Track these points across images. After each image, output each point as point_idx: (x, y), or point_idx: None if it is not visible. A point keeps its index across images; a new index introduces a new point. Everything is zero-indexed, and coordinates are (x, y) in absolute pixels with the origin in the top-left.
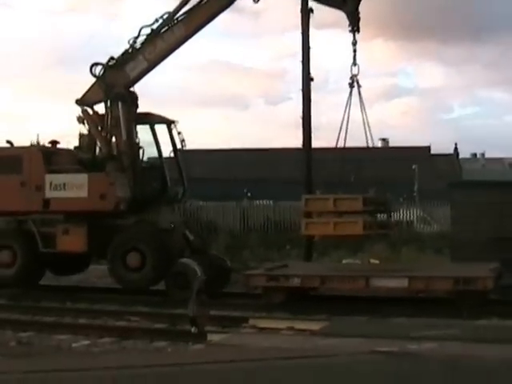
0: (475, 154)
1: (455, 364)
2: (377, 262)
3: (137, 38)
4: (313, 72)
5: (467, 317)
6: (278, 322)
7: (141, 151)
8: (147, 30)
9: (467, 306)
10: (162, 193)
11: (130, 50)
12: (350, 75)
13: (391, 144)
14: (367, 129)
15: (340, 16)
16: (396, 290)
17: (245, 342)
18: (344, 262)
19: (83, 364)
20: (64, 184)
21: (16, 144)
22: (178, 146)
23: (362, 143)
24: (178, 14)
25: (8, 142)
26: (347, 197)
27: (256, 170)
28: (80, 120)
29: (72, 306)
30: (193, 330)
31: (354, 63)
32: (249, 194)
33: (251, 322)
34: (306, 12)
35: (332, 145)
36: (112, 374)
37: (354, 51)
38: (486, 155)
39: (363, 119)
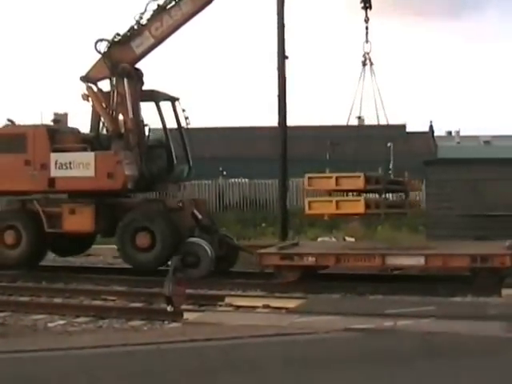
0: (450, 132)
1: (430, 341)
2: (352, 239)
3: (143, 13)
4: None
5: (442, 294)
6: (254, 300)
7: (146, 129)
8: (153, 6)
9: (483, 283)
10: (168, 171)
11: (136, 26)
12: (363, 53)
13: (367, 122)
14: (382, 107)
15: None
16: (413, 267)
17: (221, 320)
18: (319, 239)
19: (59, 344)
20: (70, 163)
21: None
22: (183, 123)
23: (339, 121)
24: None
25: (9, 120)
26: (349, 175)
27: (231, 147)
28: (85, 97)
29: (48, 286)
30: (169, 308)
31: (367, 40)
32: (224, 172)
33: (227, 300)
34: None
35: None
36: (88, 353)
37: (366, 28)
38: (461, 133)
39: (375, 98)
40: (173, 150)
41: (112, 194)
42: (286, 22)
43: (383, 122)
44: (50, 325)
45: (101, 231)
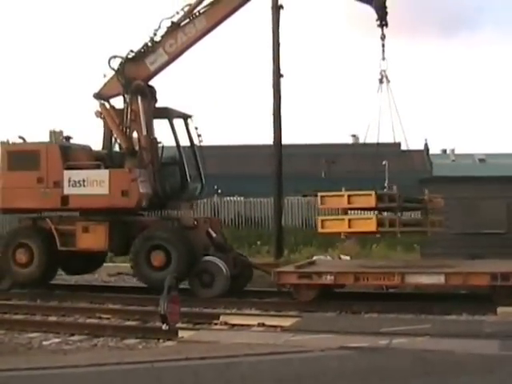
0: (445, 150)
1: (425, 359)
2: (347, 258)
3: (157, 30)
4: None
5: (437, 312)
6: (249, 318)
7: (160, 146)
8: (167, 23)
9: (503, 300)
10: (182, 189)
11: (150, 43)
12: (379, 70)
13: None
14: (399, 126)
15: None
16: (432, 286)
17: (216, 338)
18: (315, 258)
19: (54, 362)
20: (83, 180)
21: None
22: (195, 141)
23: (334, 139)
24: (200, 7)
25: (20, 137)
26: (361, 193)
27: (227, 166)
28: (98, 114)
29: (42, 304)
30: (164, 326)
31: (383, 57)
32: (219, 191)
33: (222, 318)
34: (277, 9)
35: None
36: (83, 371)
37: (383, 46)
38: (456, 151)
39: (391, 116)
40: (186, 168)
41: (126, 212)
42: (281, 40)
43: (399, 139)
44: (44, 343)
45: (114, 250)
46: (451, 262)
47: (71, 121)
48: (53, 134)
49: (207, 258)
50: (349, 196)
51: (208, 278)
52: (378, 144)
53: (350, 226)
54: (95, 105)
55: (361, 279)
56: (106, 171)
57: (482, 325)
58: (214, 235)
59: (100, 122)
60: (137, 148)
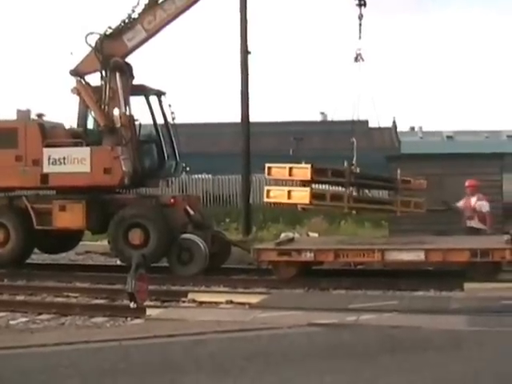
0: (413, 128)
1: (392, 335)
2: (315, 235)
3: (135, 7)
4: None
5: (405, 288)
6: (217, 295)
7: (137, 124)
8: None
9: (481, 277)
10: (159, 167)
11: (128, 20)
12: (356, 49)
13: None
14: (371, 104)
15: None
16: (412, 263)
17: (184, 316)
18: (283, 235)
19: (21, 341)
20: (64, 158)
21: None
22: (169, 118)
23: (302, 117)
24: None
25: None
26: (299, 166)
27: (194, 143)
28: (74, 91)
29: (9, 283)
30: (131, 305)
31: (360, 37)
32: (187, 168)
33: (190, 296)
34: None
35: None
36: (50, 350)
37: (360, 25)
38: (424, 129)
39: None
40: (164, 146)
41: (105, 191)
42: (248, 17)
43: (376, 121)
44: (11, 322)
45: (92, 228)
46: (427, 239)
47: (35, 98)
48: (20, 112)
49: (185, 235)
50: (290, 168)
51: (186, 255)
52: (353, 122)
53: (289, 198)
54: (61, 82)
55: (341, 256)
56: (88, 149)
57: (450, 301)
58: (191, 213)
59: (67, 99)
60: (115, 125)
